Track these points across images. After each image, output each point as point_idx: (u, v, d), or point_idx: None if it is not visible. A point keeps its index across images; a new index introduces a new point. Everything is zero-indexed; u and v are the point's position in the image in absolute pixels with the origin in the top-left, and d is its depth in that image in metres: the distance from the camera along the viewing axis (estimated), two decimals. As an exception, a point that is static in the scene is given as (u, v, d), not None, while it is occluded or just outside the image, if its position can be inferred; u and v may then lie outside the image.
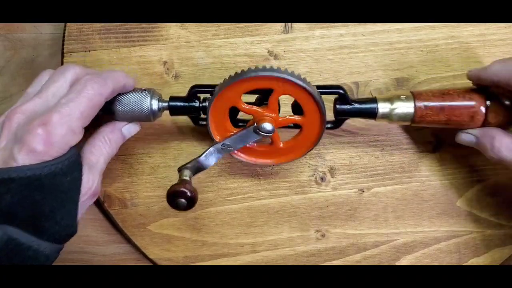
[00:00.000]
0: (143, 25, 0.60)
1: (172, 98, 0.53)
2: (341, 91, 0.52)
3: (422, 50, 0.60)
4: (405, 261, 0.62)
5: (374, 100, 0.52)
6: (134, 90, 0.51)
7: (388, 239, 0.62)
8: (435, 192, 0.61)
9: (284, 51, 0.60)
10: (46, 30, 0.65)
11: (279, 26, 0.60)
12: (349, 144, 0.61)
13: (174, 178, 0.60)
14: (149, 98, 0.51)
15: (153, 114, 0.51)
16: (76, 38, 0.60)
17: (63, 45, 0.61)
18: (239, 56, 0.60)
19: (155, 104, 0.51)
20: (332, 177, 0.61)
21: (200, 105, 0.52)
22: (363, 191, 0.61)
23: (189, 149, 0.60)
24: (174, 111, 0.53)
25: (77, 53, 0.60)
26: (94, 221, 0.64)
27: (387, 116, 0.52)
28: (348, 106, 0.52)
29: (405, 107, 0.51)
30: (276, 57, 0.60)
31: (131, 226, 0.61)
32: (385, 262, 0.62)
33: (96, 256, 0.64)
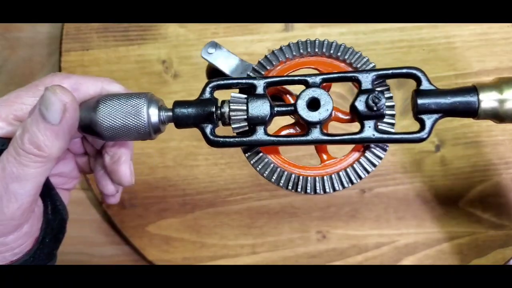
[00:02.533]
0: (142, 23, 0.60)
1: (178, 104, 0.37)
2: (415, 72, 0.37)
3: (423, 49, 0.60)
4: (407, 262, 0.61)
5: (472, 90, 0.36)
6: (122, 95, 0.37)
7: (390, 240, 0.61)
8: (437, 192, 0.60)
9: (285, 50, 0.60)
10: (43, 29, 0.65)
11: (279, 24, 0.60)
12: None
13: (173, 179, 0.60)
14: (145, 106, 0.36)
15: (153, 129, 0.37)
16: (74, 37, 0.60)
17: (61, 44, 0.60)
18: (238, 54, 0.59)
19: (154, 114, 0.37)
20: (333, 177, 0.60)
21: (218, 111, 0.36)
22: (365, 192, 0.60)
23: (188, 149, 0.60)
24: (182, 121, 0.37)
25: (75, 52, 0.60)
26: (92, 222, 0.63)
27: (496, 113, 0.36)
28: (433, 99, 0.36)
29: None
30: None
31: (129, 227, 0.61)
32: (386, 263, 0.61)
33: (94, 257, 0.63)
